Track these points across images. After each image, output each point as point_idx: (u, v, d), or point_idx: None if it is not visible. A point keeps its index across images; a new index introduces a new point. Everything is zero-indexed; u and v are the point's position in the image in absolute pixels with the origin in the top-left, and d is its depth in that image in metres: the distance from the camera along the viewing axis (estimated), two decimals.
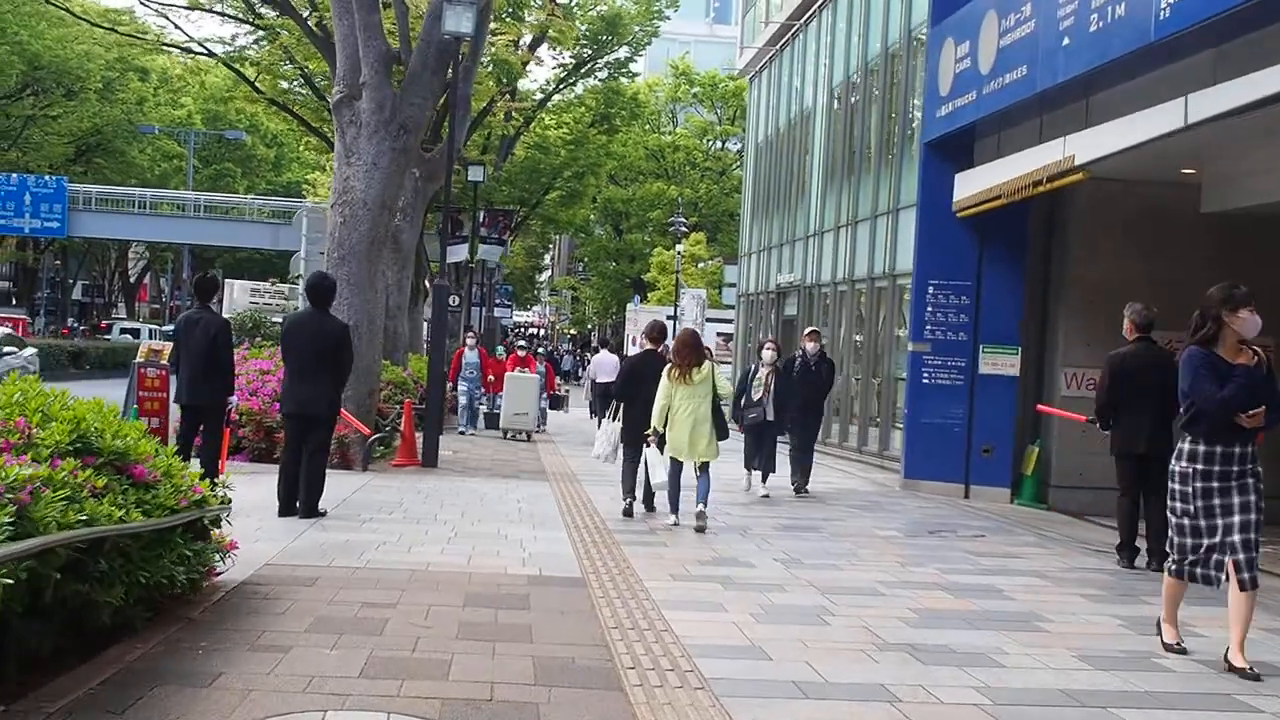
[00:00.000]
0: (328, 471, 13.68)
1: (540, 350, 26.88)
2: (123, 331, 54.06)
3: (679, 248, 46.31)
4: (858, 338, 23.21)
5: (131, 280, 76.71)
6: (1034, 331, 15.83)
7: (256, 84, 29.75)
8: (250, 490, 10.92)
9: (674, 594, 7.80)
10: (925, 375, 15.93)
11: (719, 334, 40.23)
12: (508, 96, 33.34)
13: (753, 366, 14.00)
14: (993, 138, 15.17)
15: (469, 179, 30.21)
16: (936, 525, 12.27)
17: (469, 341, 23.67)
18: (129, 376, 17.15)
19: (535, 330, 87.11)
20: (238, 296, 38.98)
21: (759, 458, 14.10)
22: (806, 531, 11.33)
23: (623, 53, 42.13)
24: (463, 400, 22.66)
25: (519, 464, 17.04)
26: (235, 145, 61.02)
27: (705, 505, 10.84)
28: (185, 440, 11.12)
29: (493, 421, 23.13)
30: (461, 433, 22.07)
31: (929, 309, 15.92)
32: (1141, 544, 9.94)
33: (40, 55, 47.98)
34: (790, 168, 29.97)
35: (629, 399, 11.56)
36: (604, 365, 24.49)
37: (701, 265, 55.45)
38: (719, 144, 63.73)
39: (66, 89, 50.78)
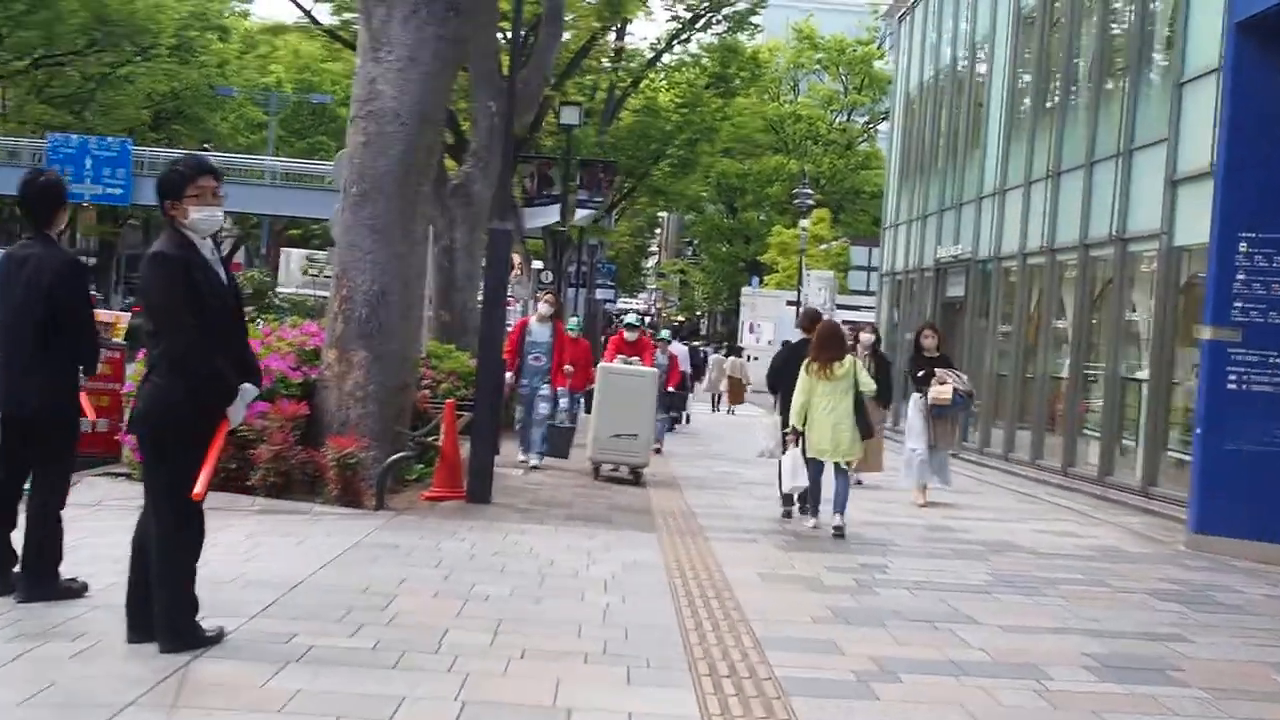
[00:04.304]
0: (323, 512, 8.86)
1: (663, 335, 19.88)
2: None
3: (803, 224, 40.69)
4: (1059, 323, 17.93)
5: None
6: None
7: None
8: None
9: None
10: (1232, 378, 10.39)
11: (845, 322, 35.12)
12: (613, 35, 28.22)
13: None
14: None
15: (561, 122, 24.87)
16: None
17: (541, 308, 13.91)
18: None
19: (646, 316, 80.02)
20: (293, 267, 34.17)
21: None
22: (1141, 670, 5.97)
23: (742, 5, 37.06)
24: (520, 409, 13.62)
25: (611, 497, 11.81)
26: (328, 116, 56.76)
27: (844, 514, 10.09)
28: (10, 478, 6.08)
29: (560, 444, 13.78)
30: (523, 460, 13.25)
31: (1240, 277, 10.38)
32: None
33: (107, 6, 43.97)
34: (956, 116, 24.42)
35: (785, 390, 10.92)
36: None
37: (825, 247, 49.93)
38: (845, 115, 58.09)
39: (139, 47, 46.81)
